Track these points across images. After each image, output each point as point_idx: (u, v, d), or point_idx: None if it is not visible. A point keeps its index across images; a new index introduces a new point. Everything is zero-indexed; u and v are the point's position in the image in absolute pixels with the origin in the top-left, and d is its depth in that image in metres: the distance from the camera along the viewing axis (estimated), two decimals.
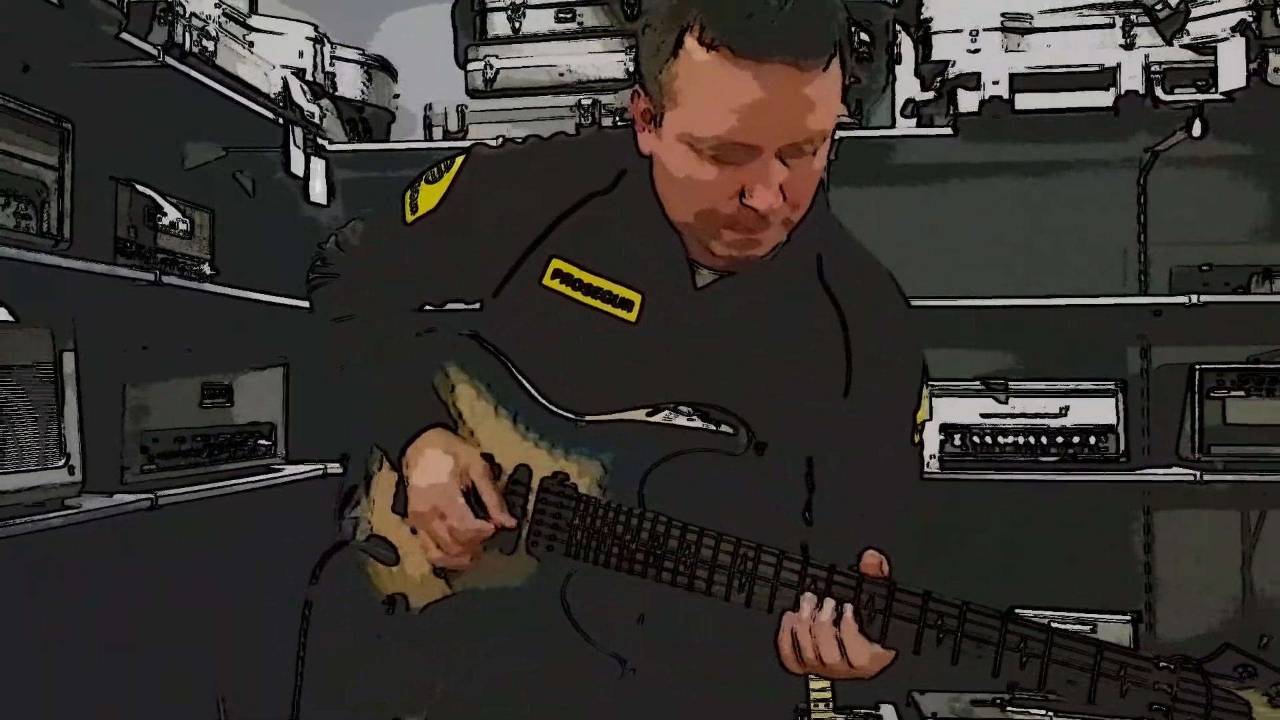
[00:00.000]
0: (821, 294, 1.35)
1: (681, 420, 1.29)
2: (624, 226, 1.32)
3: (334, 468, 3.00)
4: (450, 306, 1.47)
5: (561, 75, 3.25)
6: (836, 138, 1.36)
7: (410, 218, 1.40)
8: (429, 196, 1.40)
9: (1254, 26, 2.75)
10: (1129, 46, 2.91)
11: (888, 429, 1.36)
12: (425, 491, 1.33)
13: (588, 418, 1.33)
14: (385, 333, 1.44)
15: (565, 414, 1.34)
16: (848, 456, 1.32)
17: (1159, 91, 2.89)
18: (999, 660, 1.16)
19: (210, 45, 2.67)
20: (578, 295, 1.33)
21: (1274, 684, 1.13)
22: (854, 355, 1.34)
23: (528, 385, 1.36)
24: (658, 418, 1.30)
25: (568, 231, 1.34)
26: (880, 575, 1.21)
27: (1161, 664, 1.14)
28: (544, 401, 1.35)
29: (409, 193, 1.42)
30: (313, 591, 1.41)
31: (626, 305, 1.32)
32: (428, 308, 1.48)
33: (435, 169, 1.41)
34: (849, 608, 1.20)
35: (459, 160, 1.40)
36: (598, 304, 1.33)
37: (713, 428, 1.28)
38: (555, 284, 1.33)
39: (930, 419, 2.86)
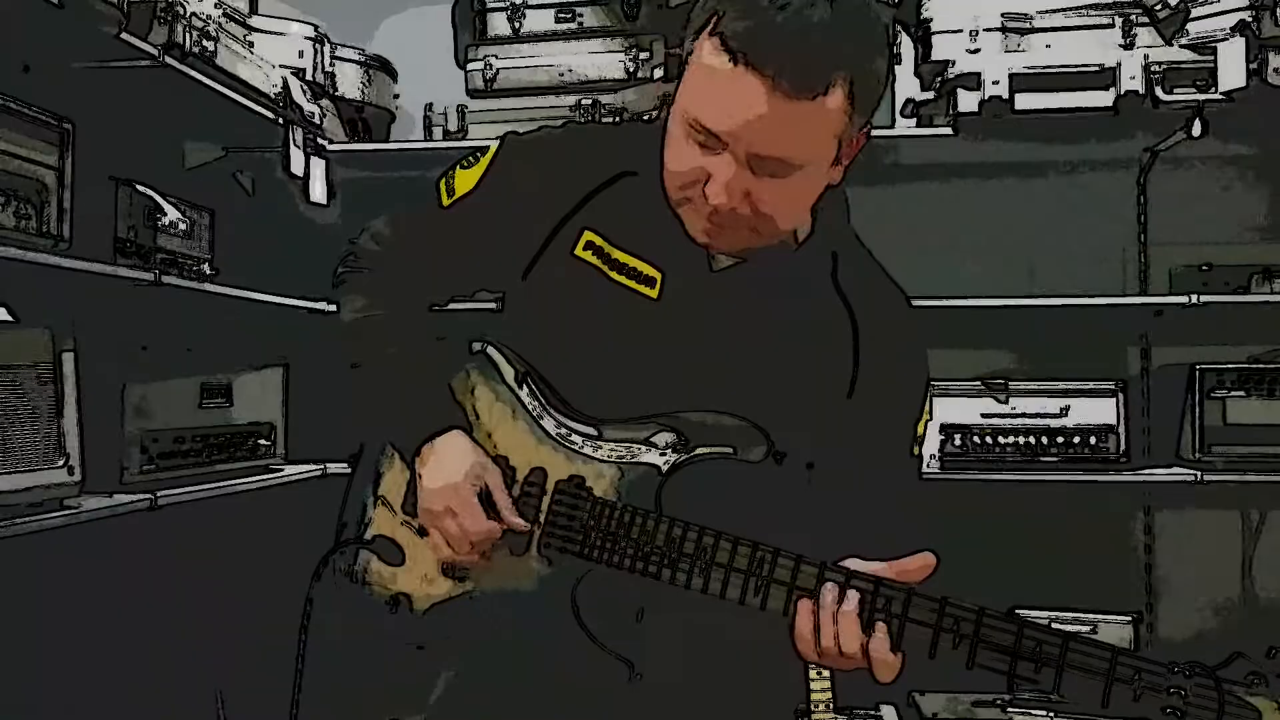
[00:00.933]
0: (834, 294, 1.38)
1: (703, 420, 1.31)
2: (650, 207, 1.35)
3: (334, 467, 3.01)
4: (470, 306, 1.50)
5: (561, 75, 3.25)
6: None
7: (447, 201, 1.43)
8: (466, 180, 1.43)
9: (1254, 26, 2.75)
10: (1129, 46, 2.91)
11: (887, 436, 1.37)
12: (438, 491, 1.35)
13: (604, 430, 1.35)
14: (407, 332, 1.46)
15: (584, 427, 1.36)
16: (847, 458, 1.33)
17: (1159, 91, 2.89)
18: (1014, 665, 1.17)
19: (210, 45, 2.67)
20: (605, 268, 1.36)
21: None
22: (861, 358, 1.36)
23: (543, 399, 1.38)
24: (669, 455, 1.31)
25: (600, 206, 1.38)
26: (925, 578, 1.21)
27: (1175, 669, 1.15)
28: (562, 418, 1.37)
29: (443, 180, 1.45)
30: (315, 589, 1.42)
31: (649, 282, 1.36)
32: (453, 305, 1.50)
33: (470, 156, 1.45)
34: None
35: (494, 146, 1.44)
36: (622, 279, 1.36)
37: (721, 451, 1.30)
38: (587, 255, 1.37)
39: (932, 418, 2.86)
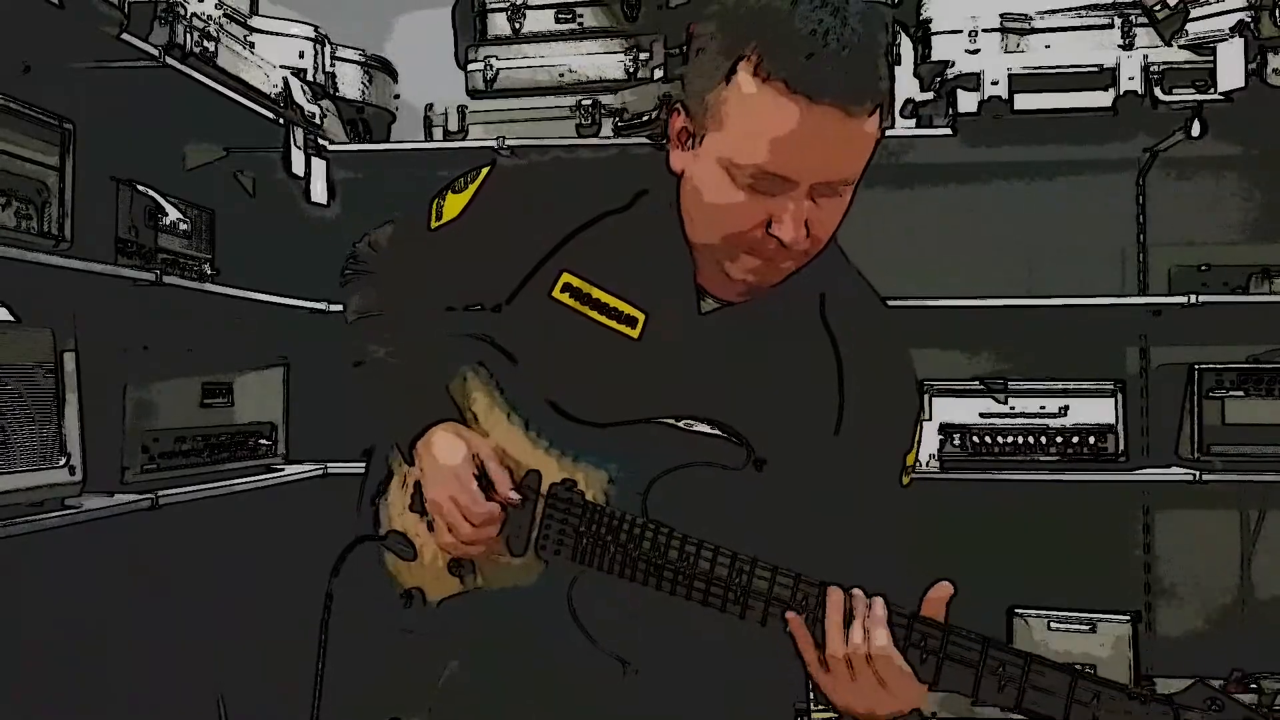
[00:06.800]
0: (821, 333, 1.38)
1: (689, 425, 1.31)
2: (636, 246, 1.35)
3: (335, 467, 3.01)
4: (469, 308, 1.50)
5: (562, 75, 3.25)
6: None
7: (434, 224, 1.44)
8: (453, 205, 1.43)
9: (1252, 27, 2.75)
10: (1128, 47, 2.92)
11: (875, 469, 1.38)
12: (438, 476, 1.36)
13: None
14: (407, 334, 1.47)
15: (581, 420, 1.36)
16: (836, 490, 1.34)
17: (1158, 92, 2.90)
18: (979, 682, 1.20)
19: (211, 46, 2.67)
20: (584, 309, 1.36)
21: (1244, 718, 1.16)
22: (846, 395, 1.36)
23: (541, 391, 1.38)
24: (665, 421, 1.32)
25: (580, 247, 1.37)
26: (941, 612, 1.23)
27: (1133, 695, 1.16)
28: (560, 407, 1.37)
29: (436, 200, 1.45)
30: (334, 584, 1.44)
31: (631, 322, 1.35)
32: (448, 309, 1.50)
33: (462, 179, 1.45)
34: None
35: (484, 171, 1.44)
36: (603, 319, 1.36)
37: (718, 434, 1.30)
38: (564, 297, 1.37)
39: (929, 424, 2.85)
